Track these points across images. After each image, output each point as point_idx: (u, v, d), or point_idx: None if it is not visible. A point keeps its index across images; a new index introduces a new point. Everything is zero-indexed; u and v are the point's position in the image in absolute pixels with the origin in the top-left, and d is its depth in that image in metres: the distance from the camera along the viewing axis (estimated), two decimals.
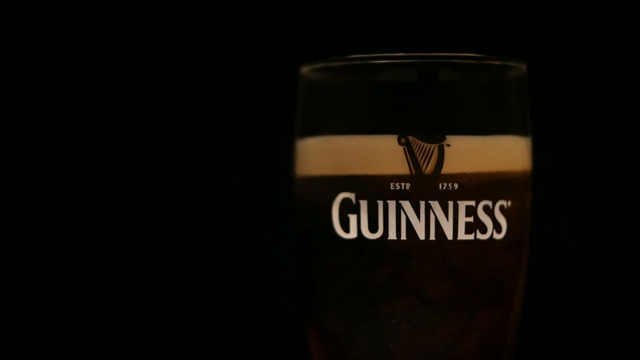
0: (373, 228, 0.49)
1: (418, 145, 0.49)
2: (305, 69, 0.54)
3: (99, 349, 0.74)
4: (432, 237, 0.49)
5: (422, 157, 0.49)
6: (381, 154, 0.50)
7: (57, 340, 0.74)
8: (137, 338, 0.75)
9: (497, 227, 0.50)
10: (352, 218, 0.50)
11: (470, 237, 0.50)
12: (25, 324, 0.74)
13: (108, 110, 0.74)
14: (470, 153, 0.50)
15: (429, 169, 0.49)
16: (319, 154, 0.52)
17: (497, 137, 0.51)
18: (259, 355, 0.75)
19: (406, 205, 0.49)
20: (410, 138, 0.49)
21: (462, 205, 0.49)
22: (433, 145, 0.49)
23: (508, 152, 0.52)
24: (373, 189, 0.49)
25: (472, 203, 0.49)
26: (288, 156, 0.55)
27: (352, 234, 0.50)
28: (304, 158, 0.53)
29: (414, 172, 0.49)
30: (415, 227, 0.49)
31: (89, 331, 0.74)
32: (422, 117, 0.50)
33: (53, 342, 0.74)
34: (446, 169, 0.49)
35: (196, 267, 0.75)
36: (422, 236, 0.49)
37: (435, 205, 0.49)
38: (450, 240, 0.49)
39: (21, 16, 0.73)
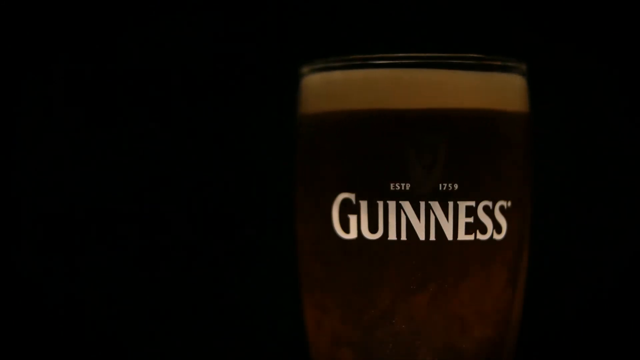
0: (373, 228, 0.49)
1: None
2: (305, 69, 0.54)
3: (99, 348, 0.74)
4: (432, 237, 0.49)
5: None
6: (380, 82, 0.50)
7: (57, 340, 0.74)
8: (137, 338, 0.75)
9: (497, 227, 0.50)
10: (352, 218, 0.50)
11: (470, 237, 0.49)
12: (25, 323, 0.74)
13: (108, 110, 0.74)
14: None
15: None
16: (321, 91, 0.52)
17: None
18: (259, 355, 0.75)
19: (406, 205, 0.49)
20: (410, 138, 0.49)
21: (462, 205, 0.49)
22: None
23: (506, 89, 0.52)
24: (373, 185, 0.49)
25: (472, 203, 0.49)
26: (288, 156, 0.55)
27: (352, 235, 0.50)
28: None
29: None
30: (415, 227, 0.49)
31: (88, 331, 0.74)
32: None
33: (53, 342, 0.74)
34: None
35: (196, 267, 0.75)
36: (422, 236, 0.49)
37: (435, 205, 0.49)
38: (450, 241, 0.49)
39: (21, 17, 0.73)
